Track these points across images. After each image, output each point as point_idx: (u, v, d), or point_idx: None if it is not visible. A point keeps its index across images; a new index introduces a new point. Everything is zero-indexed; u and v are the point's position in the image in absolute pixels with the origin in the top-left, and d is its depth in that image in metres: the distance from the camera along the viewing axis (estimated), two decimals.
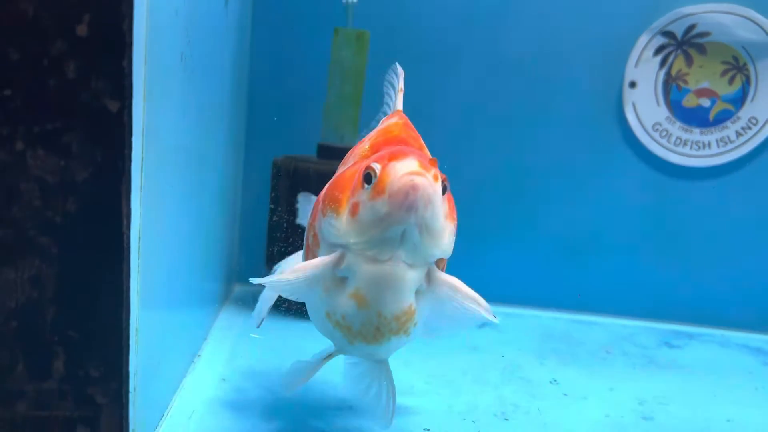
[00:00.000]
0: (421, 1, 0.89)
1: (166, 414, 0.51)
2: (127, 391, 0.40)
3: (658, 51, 0.90)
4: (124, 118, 0.36)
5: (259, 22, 0.87)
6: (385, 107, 0.58)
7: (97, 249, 0.37)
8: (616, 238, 0.92)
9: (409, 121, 0.54)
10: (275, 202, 0.82)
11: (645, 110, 0.91)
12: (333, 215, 0.45)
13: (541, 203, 0.91)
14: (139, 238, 0.39)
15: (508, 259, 0.91)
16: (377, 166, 0.43)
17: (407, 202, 0.42)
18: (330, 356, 0.51)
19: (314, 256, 0.47)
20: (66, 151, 0.36)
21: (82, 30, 0.35)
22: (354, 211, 0.44)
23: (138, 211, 0.38)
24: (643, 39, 0.89)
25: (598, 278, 0.91)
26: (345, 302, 0.45)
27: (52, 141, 0.36)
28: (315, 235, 0.48)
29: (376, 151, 0.49)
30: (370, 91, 0.80)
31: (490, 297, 0.93)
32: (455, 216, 0.47)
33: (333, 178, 0.51)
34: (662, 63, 0.90)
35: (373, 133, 0.54)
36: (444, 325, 0.50)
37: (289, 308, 0.82)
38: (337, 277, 0.45)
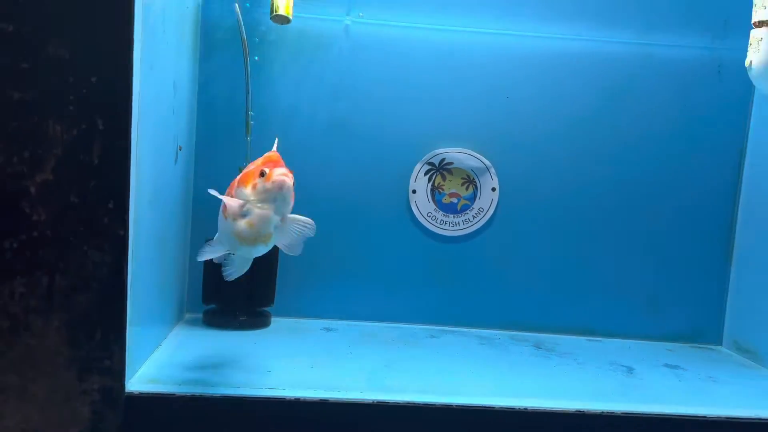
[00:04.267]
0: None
1: (143, 364, 0.93)
2: (125, 346, 0.83)
3: (426, 173, 1.29)
4: (125, 249, 0.82)
5: (200, 161, 1.24)
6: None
7: (114, 295, 0.82)
8: (410, 282, 1.30)
9: (279, 155, 0.83)
10: (206, 262, 1.13)
11: (422, 206, 1.29)
12: (243, 188, 0.79)
13: (370, 254, 1.31)
14: (131, 286, 0.84)
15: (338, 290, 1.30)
16: (266, 169, 0.77)
17: (283, 186, 0.76)
18: (229, 253, 0.84)
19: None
20: (102, 250, 0.82)
21: (105, 215, 0.81)
22: (254, 187, 0.77)
23: (130, 274, 0.84)
24: (417, 166, 1.28)
25: (396, 299, 1.37)
26: (242, 225, 0.78)
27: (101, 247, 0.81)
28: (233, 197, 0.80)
29: (264, 164, 0.80)
30: None
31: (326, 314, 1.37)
32: (294, 196, 0.80)
33: (242, 174, 0.82)
34: (429, 179, 1.29)
35: (261, 158, 0.83)
36: (294, 240, 0.82)
37: (213, 324, 1.19)
38: (240, 214, 0.78)
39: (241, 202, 0.80)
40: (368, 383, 0.94)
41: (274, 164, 0.80)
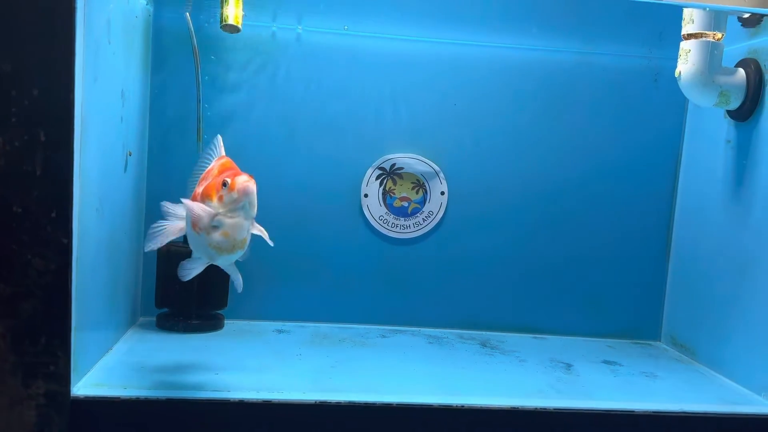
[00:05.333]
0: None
1: (91, 369, 0.95)
2: (70, 351, 0.85)
3: (377, 177, 1.32)
4: (69, 256, 0.84)
5: (152, 167, 1.26)
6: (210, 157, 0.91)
7: (58, 301, 0.84)
8: (363, 284, 1.33)
9: (232, 160, 0.87)
10: (159, 266, 1.21)
11: (374, 209, 1.32)
12: (209, 201, 0.80)
13: (322, 257, 1.34)
14: (77, 292, 0.86)
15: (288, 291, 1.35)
16: (228, 179, 0.79)
17: (248, 192, 0.79)
18: (206, 263, 0.86)
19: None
20: (46, 258, 0.83)
21: (48, 224, 0.83)
22: (220, 198, 0.79)
23: (75, 281, 0.85)
24: (369, 171, 1.32)
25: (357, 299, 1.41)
26: (218, 237, 0.80)
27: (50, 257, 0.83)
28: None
29: (221, 173, 0.82)
30: None
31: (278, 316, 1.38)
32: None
33: (204, 186, 0.83)
34: (380, 184, 1.32)
35: (215, 166, 0.87)
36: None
37: (171, 328, 1.21)
38: (211, 226, 0.80)
39: (209, 209, 0.81)
40: (313, 384, 0.97)
41: (232, 171, 0.82)
